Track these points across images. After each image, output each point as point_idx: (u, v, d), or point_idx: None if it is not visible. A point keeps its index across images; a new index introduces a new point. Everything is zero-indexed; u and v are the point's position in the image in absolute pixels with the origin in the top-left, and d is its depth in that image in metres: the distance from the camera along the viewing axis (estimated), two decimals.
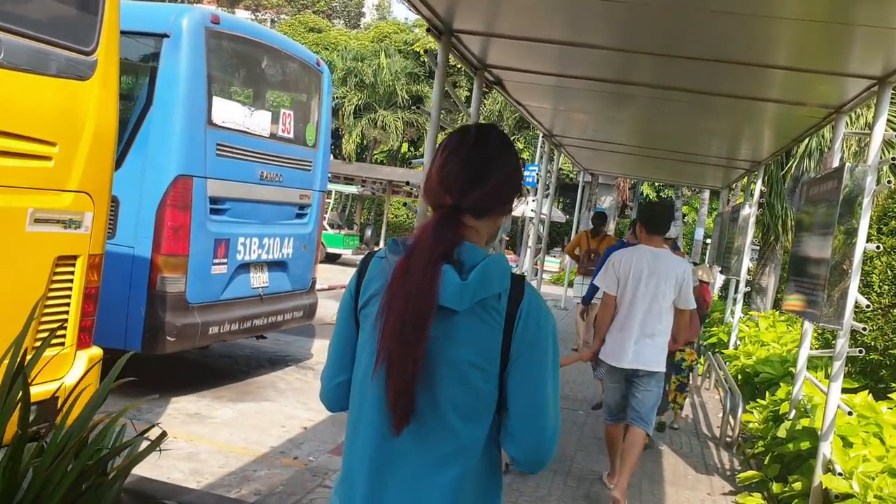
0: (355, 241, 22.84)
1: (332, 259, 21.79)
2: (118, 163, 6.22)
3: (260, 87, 7.72)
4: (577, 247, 10.53)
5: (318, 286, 15.70)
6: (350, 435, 1.66)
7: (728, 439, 6.87)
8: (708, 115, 6.87)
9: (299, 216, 7.92)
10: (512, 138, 13.41)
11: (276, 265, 7.57)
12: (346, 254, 22.37)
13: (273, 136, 7.36)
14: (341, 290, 14.61)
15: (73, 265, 4.01)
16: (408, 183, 23.10)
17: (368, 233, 24.07)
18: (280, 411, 6.74)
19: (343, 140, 29.86)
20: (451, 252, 1.56)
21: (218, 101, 6.57)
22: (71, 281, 4.01)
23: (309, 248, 8.07)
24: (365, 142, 30.81)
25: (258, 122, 7.10)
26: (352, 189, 23.53)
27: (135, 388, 6.78)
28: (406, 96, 29.02)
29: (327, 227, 21.96)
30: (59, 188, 3.83)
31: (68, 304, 4.02)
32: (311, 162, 7.97)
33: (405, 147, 32.58)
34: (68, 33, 3.83)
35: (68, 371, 4.07)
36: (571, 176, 27.46)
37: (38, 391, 3.84)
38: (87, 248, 4.06)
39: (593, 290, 7.18)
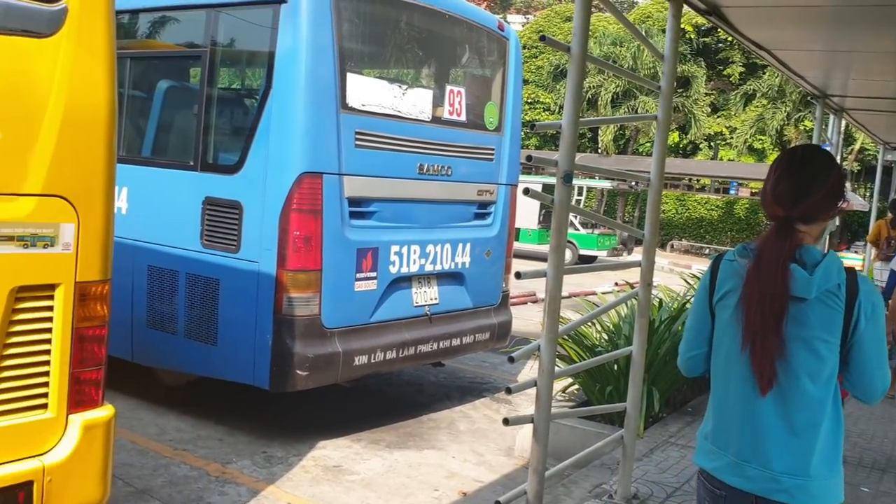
0: (612, 242, 20.88)
1: (586, 262, 20.07)
2: (239, 164, 5.27)
3: (417, 61, 6.35)
4: (878, 236, 10.55)
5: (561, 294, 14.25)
6: (720, 396, 2.23)
7: None
8: None
9: (479, 216, 6.46)
10: (797, 115, 10.80)
11: (449, 277, 6.17)
12: (602, 255, 20.51)
13: (437, 119, 5.97)
14: (592, 298, 12.79)
15: (51, 299, 2.88)
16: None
17: (626, 232, 21.99)
18: (442, 465, 5.32)
19: (600, 131, 27.93)
20: (794, 253, 2.05)
21: (355, 80, 5.31)
22: (49, 320, 2.89)
23: (495, 255, 6.57)
24: (627, 132, 28.62)
25: (415, 103, 5.75)
26: (605, 184, 21.60)
27: (273, 427, 5.87)
28: None
29: (579, 226, 20.32)
30: (7, 191, 2.71)
31: (48, 353, 2.90)
32: (492, 150, 6.47)
33: (674, 135, 29.82)
34: None
35: (56, 444, 2.95)
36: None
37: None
38: (71, 274, 2.91)
39: (894, 279, 7.29)
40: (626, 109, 27.07)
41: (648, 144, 29.52)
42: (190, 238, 5.43)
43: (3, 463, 2.80)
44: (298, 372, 5.09)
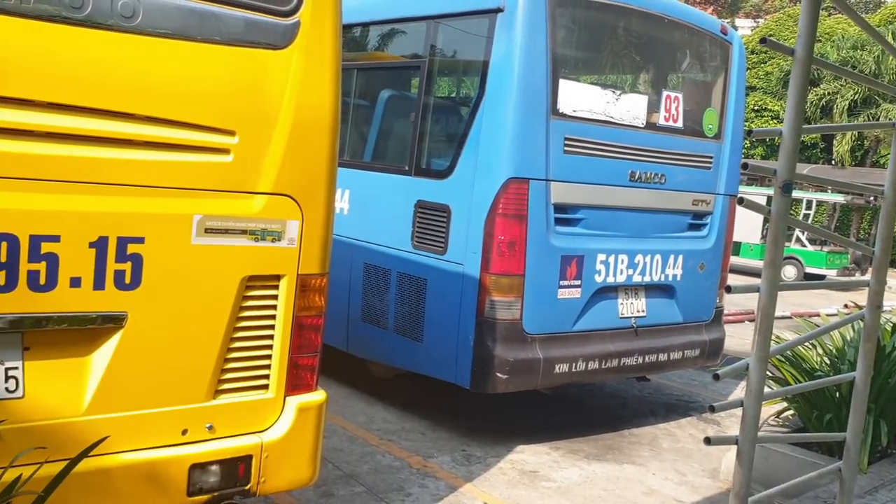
0: (843, 260, 19.21)
1: (813, 281, 18.64)
2: (450, 169, 5.44)
3: (633, 66, 6.21)
4: None
5: (778, 312, 13.34)
6: None
7: None
8: None
9: (694, 227, 6.20)
10: None
11: (658, 290, 5.98)
12: (831, 274, 18.93)
13: (652, 125, 5.82)
14: (815, 319, 11.86)
15: (275, 288, 3.15)
16: None
17: (856, 250, 20.15)
18: (641, 481, 5.17)
19: (835, 141, 25.80)
20: None
21: (567, 86, 5.31)
22: (273, 308, 3.15)
23: (709, 269, 6.28)
24: (866, 143, 26.22)
25: (628, 108, 5.64)
26: (838, 198, 19.95)
27: (473, 427, 5.96)
28: None
29: (806, 242, 18.94)
30: (243, 189, 3.00)
31: (271, 338, 3.17)
32: (710, 158, 6.20)
33: None
34: None
35: (273, 423, 3.22)
36: None
37: (223, 447, 3.08)
38: (294, 267, 3.17)
39: None
40: (866, 118, 24.77)
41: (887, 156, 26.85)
42: (402, 239, 5.68)
43: (228, 437, 3.09)
44: (498, 375, 5.16)
